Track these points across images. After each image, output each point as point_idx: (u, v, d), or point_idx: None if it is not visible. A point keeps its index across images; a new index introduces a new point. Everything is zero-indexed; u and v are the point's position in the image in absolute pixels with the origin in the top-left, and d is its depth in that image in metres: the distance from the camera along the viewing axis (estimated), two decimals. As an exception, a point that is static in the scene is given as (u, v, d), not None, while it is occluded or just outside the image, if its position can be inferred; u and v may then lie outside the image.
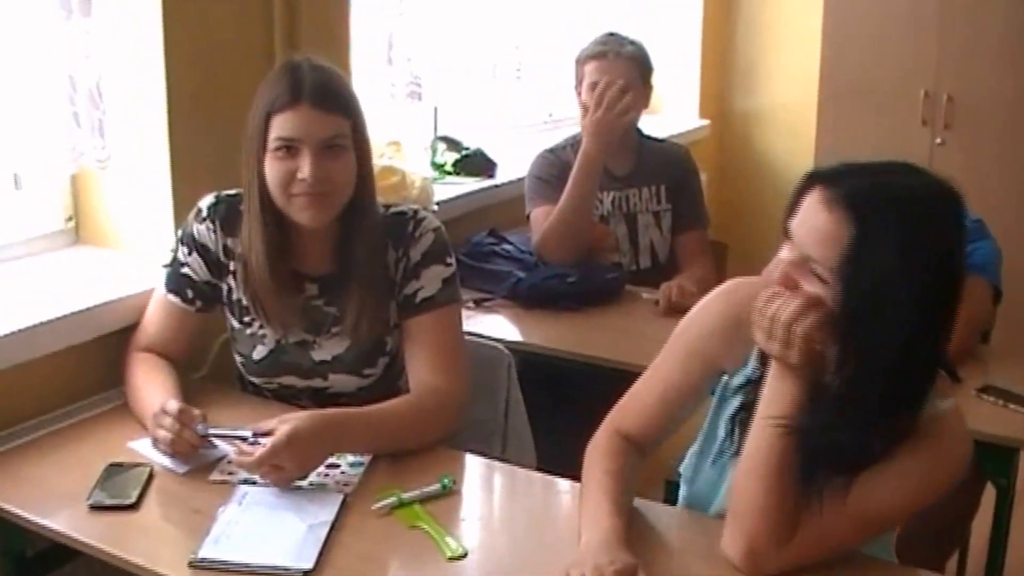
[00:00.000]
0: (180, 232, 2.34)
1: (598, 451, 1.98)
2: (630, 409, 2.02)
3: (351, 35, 3.00)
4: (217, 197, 2.31)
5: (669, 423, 1.99)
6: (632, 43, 3.35)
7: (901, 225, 1.56)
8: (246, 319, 2.33)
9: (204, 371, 2.56)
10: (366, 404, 2.23)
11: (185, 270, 2.32)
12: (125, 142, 2.57)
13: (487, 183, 3.64)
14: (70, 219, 2.72)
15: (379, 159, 3.20)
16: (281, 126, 2.13)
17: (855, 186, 1.60)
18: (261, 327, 2.32)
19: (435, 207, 3.25)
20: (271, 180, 2.16)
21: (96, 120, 2.42)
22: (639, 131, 3.46)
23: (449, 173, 3.63)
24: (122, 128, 2.55)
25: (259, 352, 2.34)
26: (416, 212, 2.33)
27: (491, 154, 3.74)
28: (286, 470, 1.97)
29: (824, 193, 1.61)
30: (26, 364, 2.25)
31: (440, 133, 3.78)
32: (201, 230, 2.30)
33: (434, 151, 3.66)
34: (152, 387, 2.24)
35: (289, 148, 2.14)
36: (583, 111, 3.26)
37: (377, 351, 2.33)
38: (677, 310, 2.95)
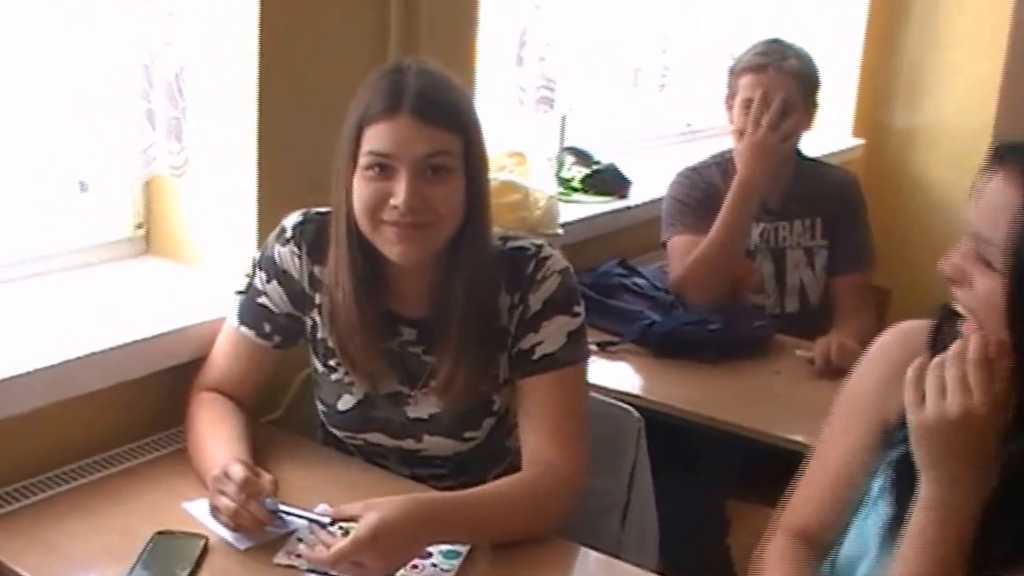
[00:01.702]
0: (259, 254, 1.99)
1: (774, 563, 1.66)
2: (800, 507, 1.70)
3: (478, 30, 2.61)
4: (305, 215, 1.95)
5: (846, 510, 1.65)
6: (797, 54, 2.91)
7: None
8: (331, 362, 1.98)
9: (278, 413, 2.21)
10: (464, 468, 1.99)
11: (262, 300, 1.97)
12: (206, 144, 2.23)
13: (619, 204, 3.24)
14: (140, 226, 2.39)
15: (498, 173, 2.83)
16: (374, 139, 1.76)
17: None
18: (348, 373, 1.96)
19: (559, 231, 2.86)
20: (358, 203, 1.80)
21: (173, 120, 2.06)
22: (799, 153, 3.02)
23: (576, 190, 3.23)
24: (204, 128, 2.21)
25: (345, 403, 1.98)
26: (540, 249, 1.93)
27: (625, 171, 3.33)
28: (368, 569, 1.60)
29: (1013, 169, 1.39)
30: (68, 401, 1.91)
31: (568, 144, 3.39)
32: (284, 254, 1.95)
33: (561, 164, 3.26)
34: (216, 439, 1.89)
35: (383, 167, 1.77)
36: (736, 132, 2.85)
37: (482, 411, 1.96)
38: (836, 372, 2.57)
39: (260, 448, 1.95)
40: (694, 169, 3.00)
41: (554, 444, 1.87)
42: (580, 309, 1.93)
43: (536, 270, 1.90)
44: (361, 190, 1.79)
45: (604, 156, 3.43)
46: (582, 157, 3.27)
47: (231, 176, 2.23)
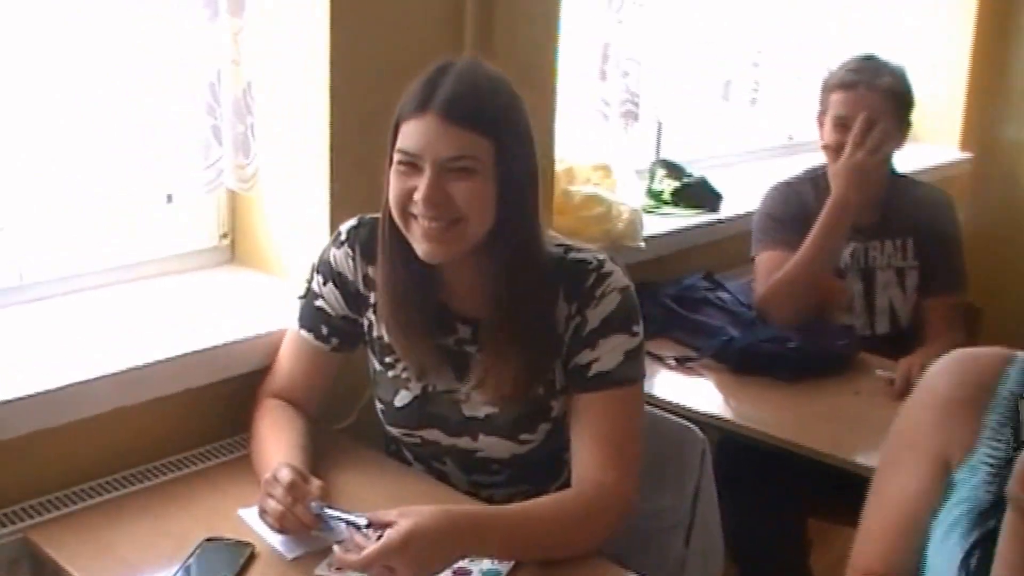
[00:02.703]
0: (317, 259, 2.02)
1: None
2: (866, 549, 1.60)
3: (558, 44, 2.61)
4: (360, 219, 1.98)
5: (914, 552, 1.54)
6: (891, 71, 2.84)
7: None
8: (388, 359, 2.00)
9: (350, 420, 2.24)
10: (521, 476, 2.00)
11: (319, 303, 2.01)
12: (285, 156, 2.27)
13: (708, 217, 3.20)
14: (225, 236, 2.45)
15: (583, 186, 2.83)
16: (405, 136, 1.78)
17: None
18: (406, 369, 1.98)
19: (642, 244, 2.84)
20: (392, 198, 1.82)
21: (240, 135, 2.11)
22: (891, 171, 2.95)
23: (666, 203, 3.20)
24: (282, 140, 2.26)
25: (402, 398, 2.00)
26: (602, 264, 1.91)
27: (717, 184, 3.29)
28: (399, 574, 1.60)
29: None
30: (135, 407, 1.97)
31: (663, 157, 3.36)
32: (339, 256, 1.98)
33: (652, 176, 3.23)
34: (274, 444, 1.92)
35: (412, 164, 1.78)
36: (825, 148, 2.80)
37: (539, 415, 1.95)
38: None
39: (324, 455, 1.98)
40: (787, 184, 2.95)
41: (604, 464, 1.85)
42: (639, 328, 1.92)
43: (596, 285, 1.89)
44: (393, 185, 1.81)
45: (701, 169, 3.40)
46: (674, 170, 3.24)
47: (307, 187, 2.27)
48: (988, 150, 4.55)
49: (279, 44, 2.21)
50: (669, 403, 2.44)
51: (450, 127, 1.74)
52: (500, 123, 1.78)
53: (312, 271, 2.02)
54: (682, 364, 2.65)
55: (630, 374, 1.90)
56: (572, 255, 1.93)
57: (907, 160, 4.17)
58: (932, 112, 4.42)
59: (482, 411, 1.96)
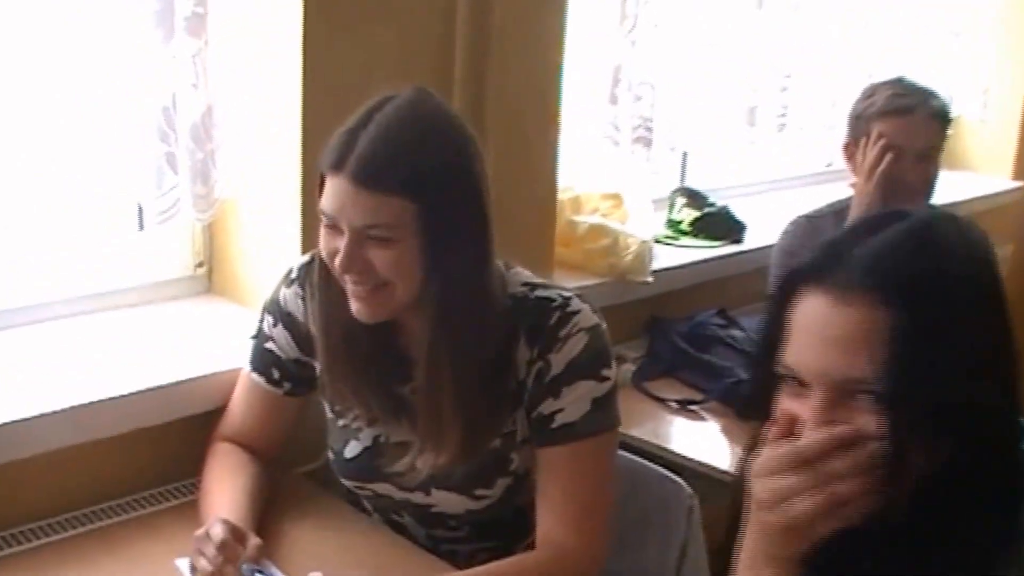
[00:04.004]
0: (268, 298, 1.91)
1: None
2: None
3: (562, 65, 2.48)
4: (312, 256, 1.83)
5: None
6: (935, 93, 2.66)
7: (939, 279, 1.15)
8: (337, 407, 1.88)
9: (317, 463, 2.11)
10: (481, 533, 1.87)
11: (269, 345, 1.89)
12: (255, 182, 2.17)
13: (727, 250, 3.03)
14: (201, 265, 2.34)
15: (589, 216, 2.69)
16: (325, 194, 1.64)
17: (861, 260, 1.16)
18: (356, 419, 1.86)
19: (649, 278, 2.69)
20: (322, 253, 1.71)
21: (199, 162, 2.00)
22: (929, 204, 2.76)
23: (686, 233, 3.04)
24: (253, 166, 2.15)
25: (352, 449, 1.88)
26: (567, 303, 1.76)
27: (744, 214, 3.12)
28: None
29: (824, 288, 1.16)
30: (81, 446, 1.87)
31: (690, 185, 3.21)
32: (288, 296, 1.87)
33: (672, 205, 3.08)
34: (218, 493, 1.82)
35: (333, 225, 1.65)
36: (863, 178, 2.61)
37: (496, 469, 1.81)
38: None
39: (281, 502, 1.88)
40: (808, 218, 2.76)
41: (569, 524, 1.72)
42: (610, 372, 1.77)
43: (560, 325, 1.74)
44: (321, 242, 1.69)
45: (731, 198, 3.25)
46: (695, 199, 3.08)
47: (280, 216, 2.16)
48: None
49: (249, 64, 2.10)
50: (666, 450, 2.30)
51: (363, 193, 1.59)
52: (425, 180, 1.61)
53: (263, 311, 1.91)
54: (684, 407, 2.49)
55: (599, 425, 1.75)
56: (536, 293, 1.78)
57: (957, 189, 4.03)
58: (984, 140, 4.22)
59: (450, 466, 1.81)
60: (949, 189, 4.00)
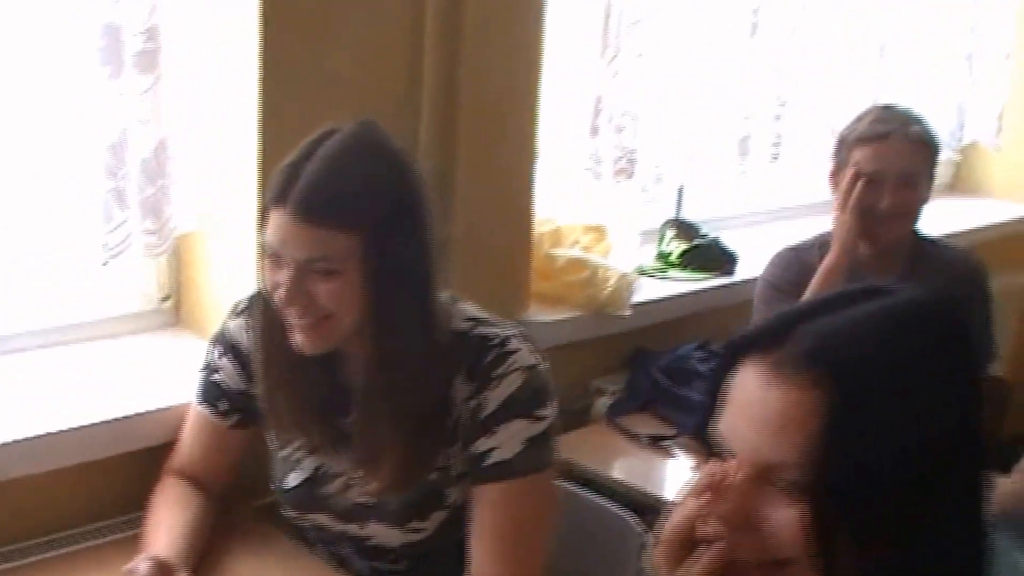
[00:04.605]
0: (216, 330, 1.92)
1: None
2: None
3: (538, 96, 2.46)
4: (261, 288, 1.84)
5: None
6: (918, 119, 2.61)
7: (886, 368, 1.06)
8: (280, 437, 1.89)
9: (271, 497, 2.09)
10: (420, 567, 1.86)
11: (216, 377, 1.90)
12: (219, 215, 2.17)
13: (712, 283, 2.98)
14: (167, 298, 2.34)
15: (569, 249, 2.66)
16: (268, 228, 1.65)
17: (808, 336, 1.07)
18: (298, 449, 1.86)
19: (627, 312, 2.66)
20: (266, 286, 1.71)
21: (150, 198, 2.01)
22: (919, 232, 2.71)
23: (675, 265, 3.00)
24: (217, 199, 2.16)
25: (292, 479, 1.88)
26: (505, 341, 1.76)
27: (741, 245, 3.07)
28: None
29: (763, 362, 1.08)
30: (26, 478, 1.88)
31: (683, 216, 3.17)
32: (233, 327, 1.88)
33: (661, 238, 3.04)
34: (157, 528, 1.83)
35: (275, 257, 1.66)
36: (853, 211, 2.56)
37: (431, 503, 1.80)
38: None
39: (228, 536, 1.90)
40: (792, 249, 2.72)
41: (500, 562, 1.72)
42: (546, 412, 1.76)
43: (496, 364, 1.74)
44: (265, 274, 1.69)
45: (729, 229, 3.20)
46: (686, 230, 3.04)
47: (239, 248, 2.16)
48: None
49: (206, 97, 2.11)
50: (626, 485, 2.27)
51: (305, 227, 1.60)
52: (367, 213, 1.62)
53: (210, 343, 1.91)
54: (655, 443, 2.45)
55: (533, 464, 1.74)
56: (477, 330, 1.78)
57: (973, 216, 3.94)
58: (1000, 165, 4.13)
59: (379, 495, 1.81)
60: (965, 216, 3.96)
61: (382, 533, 1.83)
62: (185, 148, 2.09)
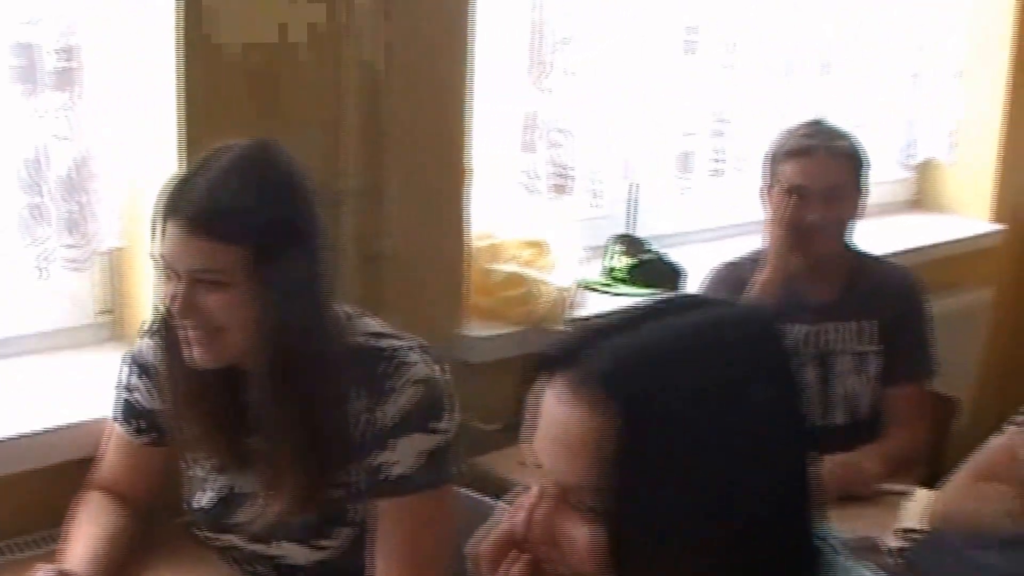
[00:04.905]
0: (130, 349, 1.94)
1: None
2: None
3: (467, 110, 2.48)
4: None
5: None
6: (845, 134, 2.65)
7: (677, 391, 1.04)
8: (190, 457, 1.90)
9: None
10: None
11: (129, 396, 1.92)
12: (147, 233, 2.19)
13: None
14: (105, 312, 2.35)
15: (505, 264, 2.68)
16: (160, 241, 1.68)
17: (603, 355, 1.06)
18: (206, 468, 1.88)
19: (564, 327, 2.67)
20: (163, 299, 1.73)
21: (68, 214, 2.03)
22: (851, 247, 2.73)
23: (621, 281, 3.02)
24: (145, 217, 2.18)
25: (201, 500, 1.89)
26: (397, 352, 1.78)
27: (692, 261, 3.08)
28: None
29: (562, 382, 1.07)
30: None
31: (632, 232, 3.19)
32: (144, 347, 1.89)
33: (608, 253, 3.06)
34: (72, 541, 1.84)
35: (169, 269, 1.68)
36: (780, 225, 2.60)
37: (336, 520, 1.81)
38: (852, 496, 2.33)
39: (150, 551, 1.91)
40: (730, 264, 2.75)
41: None
42: (444, 425, 1.77)
43: (392, 376, 1.76)
44: (163, 287, 1.71)
45: (682, 245, 3.21)
46: (632, 246, 3.06)
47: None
48: (1024, 222, 4.22)
49: (129, 111, 2.14)
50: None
51: (194, 238, 1.63)
52: (256, 227, 1.65)
53: (122, 362, 1.93)
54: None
55: (430, 479, 1.75)
56: (373, 344, 1.79)
57: (934, 232, 3.95)
58: (960, 181, 4.14)
59: (283, 514, 1.81)
60: (926, 232, 3.97)
61: (291, 552, 1.84)
62: (108, 165, 2.11)
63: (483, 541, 1.16)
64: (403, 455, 1.74)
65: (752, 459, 1.06)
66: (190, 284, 1.65)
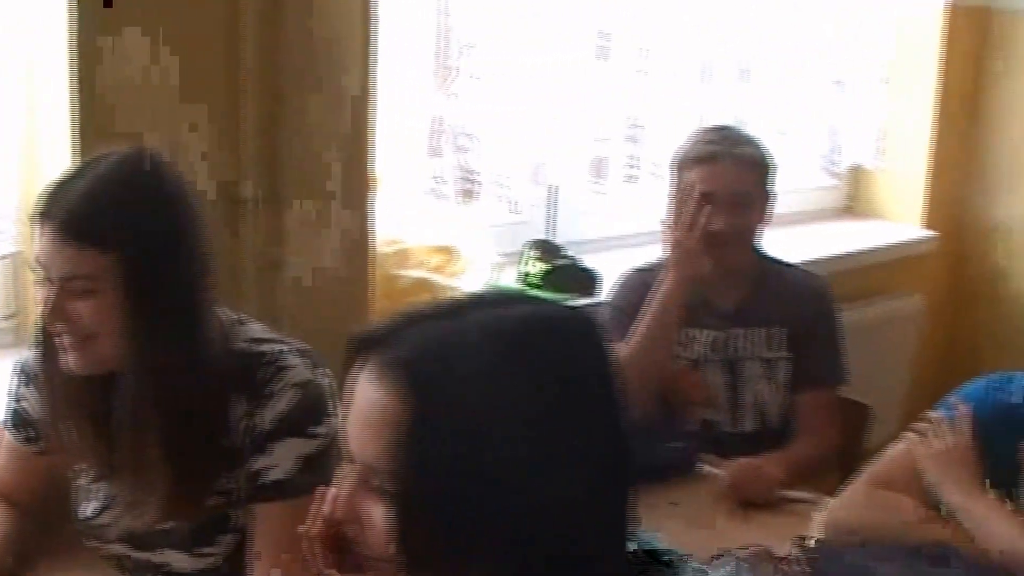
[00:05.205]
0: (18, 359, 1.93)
1: None
2: None
3: (371, 114, 2.46)
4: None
5: None
6: (750, 140, 2.64)
7: (468, 381, 1.05)
8: (74, 465, 1.88)
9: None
10: None
11: (18, 405, 1.91)
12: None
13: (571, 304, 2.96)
14: (9, 317, 2.33)
15: (414, 270, 2.66)
16: (37, 244, 1.66)
17: (408, 340, 1.07)
18: (90, 477, 1.86)
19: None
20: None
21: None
22: (760, 253, 2.72)
23: (535, 286, 2.99)
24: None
25: (86, 509, 1.87)
26: (280, 357, 1.76)
27: (604, 268, 3.06)
28: None
29: (371, 363, 1.08)
30: None
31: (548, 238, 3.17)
32: (31, 357, 1.87)
33: (523, 259, 3.04)
34: None
35: (42, 274, 1.67)
36: (682, 230, 2.57)
37: (216, 527, 1.80)
38: (747, 504, 2.33)
39: (45, 556, 1.92)
40: (637, 271, 2.74)
41: None
42: (323, 429, 1.75)
43: (269, 380, 1.74)
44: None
45: (611, 249, 3.20)
46: (547, 251, 3.03)
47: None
48: (955, 229, 4.20)
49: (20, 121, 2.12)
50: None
51: (63, 245, 1.62)
52: (126, 235, 1.64)
53: (12, 371, 1.92)
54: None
55: (308, 484, 1.69)
56: (254, 348, 1.77)
57: (865, 237, 3.94)
58: (892, 188, 4.14)
59: (165, 523, 1.80)
60: (857, 238, 3.97)
61: (175, 559, 1.82)
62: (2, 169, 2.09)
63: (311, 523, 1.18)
64: (281, 460, 1.72)
65: (548, 459, 1.05)
66: (61, 290, 1.64)
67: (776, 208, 3.67)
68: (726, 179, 2.55)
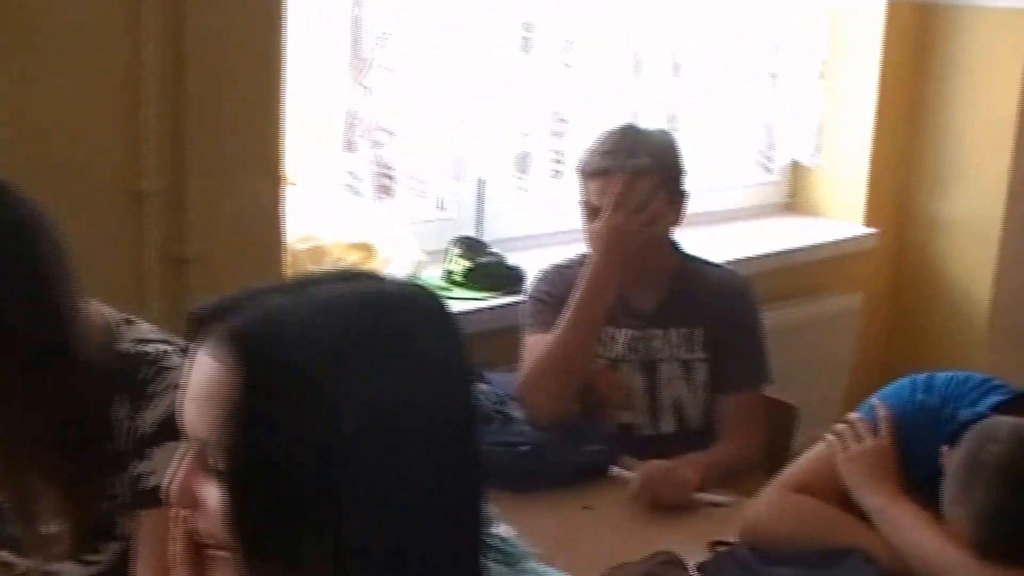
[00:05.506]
0: None
1: None
2: None
3: (281, 108, 2.40)
4: None
5: None
6: (650, 146, 2.56)
7: (295, 359, 1.01)
8: None
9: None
10: None
11: None
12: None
13: (495, 302, 2.92)
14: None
15: (329, 268, 2.60)
16: None
17: (245, 314, 1.04)
18: None
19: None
20: None
21: None
22: (681, 253, 2.68)
23: (459, 284, 2.95)
24: None
25: None
26: (163, 355, 1.69)
27: (529, 266, 3.02)
28: None
29: (211, 334, 1.05)
30: None
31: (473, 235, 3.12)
32: None
33: (447, 256, 2.99)
34: None
35: None
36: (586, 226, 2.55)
37: (101, 533, 1.73)
38: (660, 506, 2.30)
39: None
40: (557, 266, 2.69)
41: None
42: None
43: (150, 382, 1.67)
44: None
45: (538, 248, 3.15)
46: (471, 249, 2.99)
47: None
48: (897, 226, 4.18)
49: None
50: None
51: None
52: None
53: None
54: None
55: None
56: (139, 349, 1.71)
57: (806, 235, 3.92)
58: (832, 182, 4.11)
59: (51, 528, 1.72)
60: (798, 235, 3.94)
61: (65, 568, 1.76)
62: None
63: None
64: (161, 465, 1.64)
65: (386, 435, 1.02)
66: None
67: (714, 205, 3.73)
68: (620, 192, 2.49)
